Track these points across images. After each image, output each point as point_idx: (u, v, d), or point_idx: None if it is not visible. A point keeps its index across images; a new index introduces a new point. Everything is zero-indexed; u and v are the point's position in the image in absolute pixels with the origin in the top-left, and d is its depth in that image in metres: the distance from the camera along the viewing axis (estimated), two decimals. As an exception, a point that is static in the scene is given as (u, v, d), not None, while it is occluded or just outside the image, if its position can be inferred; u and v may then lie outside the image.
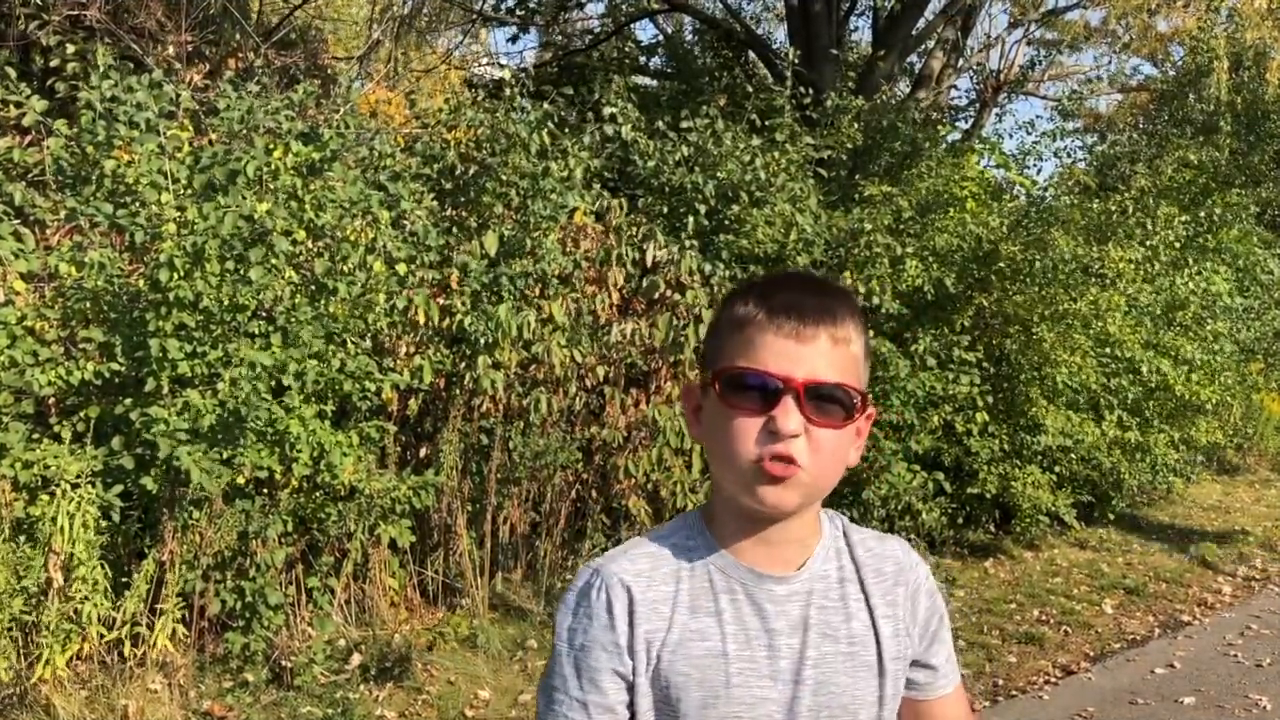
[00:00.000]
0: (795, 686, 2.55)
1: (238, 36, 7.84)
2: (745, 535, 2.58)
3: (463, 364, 7.92)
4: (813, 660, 2.56)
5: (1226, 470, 17.15)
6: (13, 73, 7.00)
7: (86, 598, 6.13)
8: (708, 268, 9.25)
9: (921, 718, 2.78)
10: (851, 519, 2.84)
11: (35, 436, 6.46)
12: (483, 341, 7.79)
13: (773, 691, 2.55)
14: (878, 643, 2.62)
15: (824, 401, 2.49)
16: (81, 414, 6.54)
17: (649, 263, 8.88)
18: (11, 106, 6.96)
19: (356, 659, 7.04)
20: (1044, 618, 9.11)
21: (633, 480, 8.35)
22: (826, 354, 2.51)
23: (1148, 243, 11.45)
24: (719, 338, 2.61)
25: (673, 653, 2.53)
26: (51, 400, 6.65)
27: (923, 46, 19.11)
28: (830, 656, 2.58)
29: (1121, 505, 12.71)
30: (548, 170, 8.28)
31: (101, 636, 6.25)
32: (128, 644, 6.32)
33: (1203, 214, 12.80)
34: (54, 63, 7.22)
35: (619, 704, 2.53)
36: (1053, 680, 7.78)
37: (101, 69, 7.00)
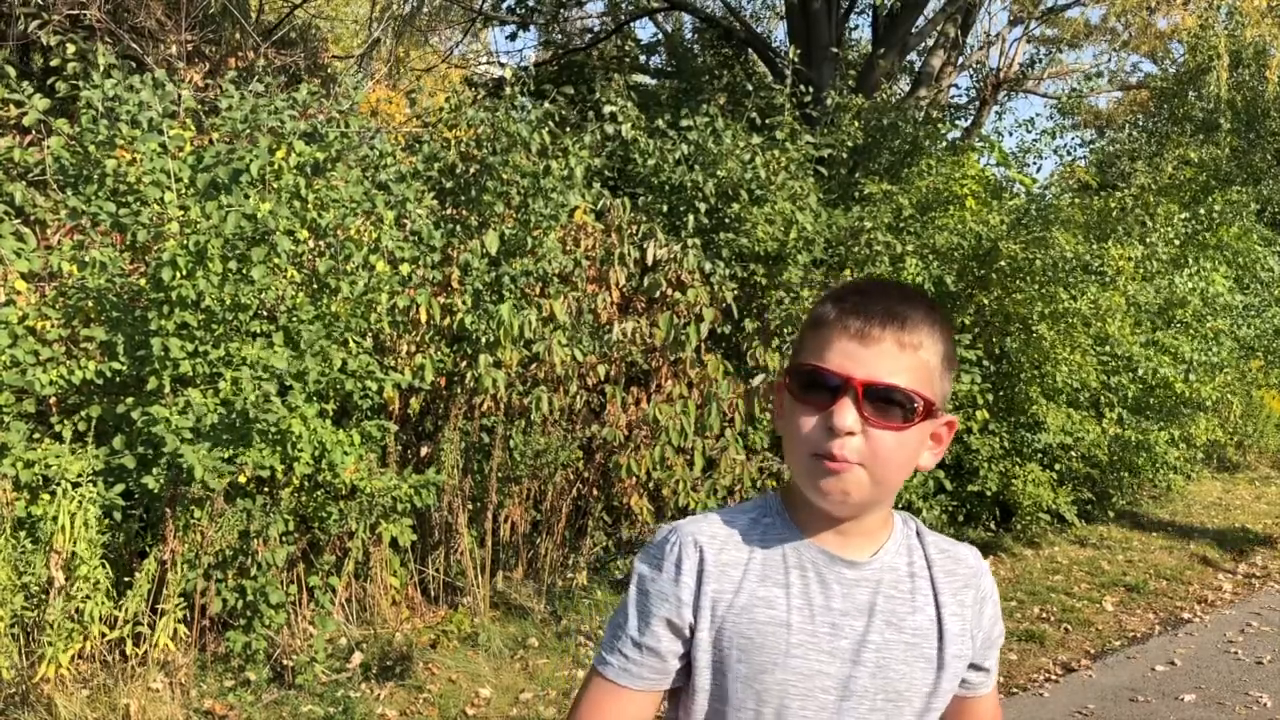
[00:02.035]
0: (853, 666, 2.60)
1: (237, 36, 7.87)
2: (819, 520, 2.63)
3: (464, 363, 7.95)
4: (875, 645, 2.61)
5: (1227, 468, 17.20)
6: (13, 72, 7.02)
7: (88, 597, 6.15)
8: (708, 266, 9.29)
9: (964, 713, 2.85)
10: None
11: (36, 436, 6.48)
12: (484, 340, 7.82)
13: (830, 667, 2.60)
14: (940, 637, 2.68)
15: (883, 402, 2.53)
16: (83, 413, 6.56)
17: (649, 261, 8.90)
18: (12, 106, 6.97)
19: (358, 658, 7.05)
20: (1044, 615, 9.15)
21: (634, 479, 8.38)
22: (892, 357, 2.56)
23: (1147, 240, 11.50)
24: (801, 336, 2.70)
25: (738, 615, 2.60)
26: (53, 399, 6.67)
27: (923, 44, 19.15)
28: (893, 644, 2.62)
29: (1122, 503, 12.76)
30: (548, 169, 8.30)
31: (103, 636, 6.27)
32: (129, 643, 6.34)
33: (1202, 211, 12.84)
34: (54, 62, 7.23)
35: (669, 653, 2.61)
36: (1053, 678, 7.81)
37: (102, 68, 7.03)
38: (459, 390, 7.91)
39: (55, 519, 6.11)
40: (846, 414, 2.51)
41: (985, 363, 10.71)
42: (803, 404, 2.58)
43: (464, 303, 7.87)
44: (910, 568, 2.71)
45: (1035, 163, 14.40)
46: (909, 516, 2.80)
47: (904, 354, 2.58)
